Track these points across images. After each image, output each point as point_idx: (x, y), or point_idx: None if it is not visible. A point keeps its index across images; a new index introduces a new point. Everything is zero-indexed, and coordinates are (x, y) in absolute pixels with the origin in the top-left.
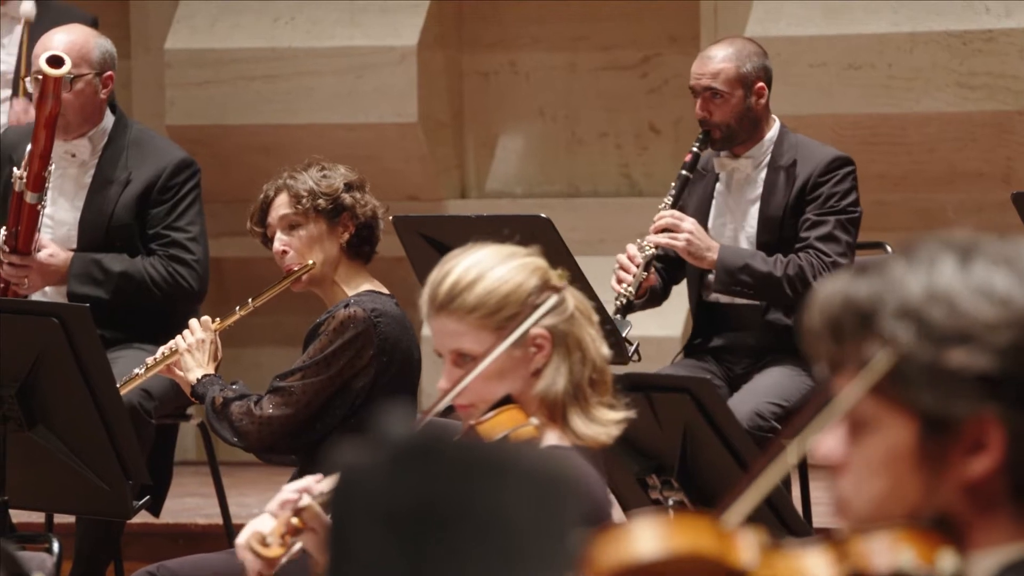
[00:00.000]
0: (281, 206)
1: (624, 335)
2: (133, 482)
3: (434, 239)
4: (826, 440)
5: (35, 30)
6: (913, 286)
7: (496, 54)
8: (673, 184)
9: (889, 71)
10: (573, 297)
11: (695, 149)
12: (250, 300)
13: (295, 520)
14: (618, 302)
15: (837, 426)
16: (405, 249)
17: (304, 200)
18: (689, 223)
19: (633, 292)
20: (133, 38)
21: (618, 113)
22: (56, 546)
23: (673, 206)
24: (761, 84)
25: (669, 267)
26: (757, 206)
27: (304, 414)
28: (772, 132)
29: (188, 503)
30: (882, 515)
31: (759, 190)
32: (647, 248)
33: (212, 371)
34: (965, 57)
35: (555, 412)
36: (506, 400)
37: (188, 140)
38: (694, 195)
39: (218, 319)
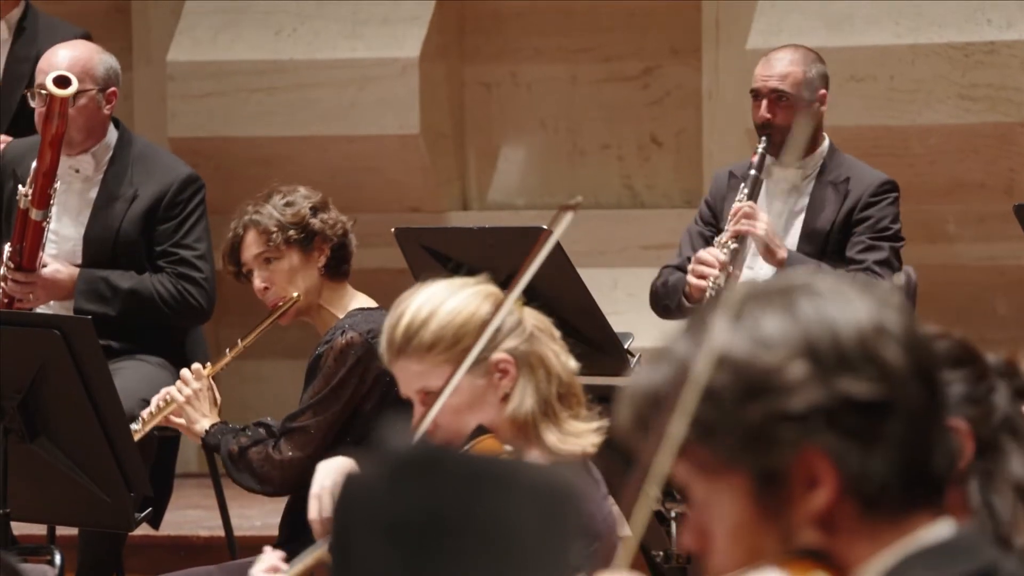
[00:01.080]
0: (252, 244)
1: (626, 346)
2: (135, 494)
3: (436, 250)
4: (685, 535)
5: (23, 46)
6: (696, 361)
7: (498, 65)
8: (743, 185)
9: (891, 83)
10: (531, 316)
11: (760, 150)
12: (240, 341)
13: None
14: (708, 294)
15: (689, 517)
16: (407, 261)
17: (275, 235)
18: (765, 215)
19: (723, 285)
20: (135, 50)
21: (620, 124)
22: (58, 558)
23: (750, 199)
24: (824, 91)
25: None
26: (802, 218)
27: (322, 449)
28: (824, 146)
29: (190, 515)
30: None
31: (805, 201)
32: (730, 244)
33: (217, 418)
34: (967, 69)
35: (528, 432)
36: (480, 431)
37: (190, 152)
38: (732, 198)
39: (209, 364)
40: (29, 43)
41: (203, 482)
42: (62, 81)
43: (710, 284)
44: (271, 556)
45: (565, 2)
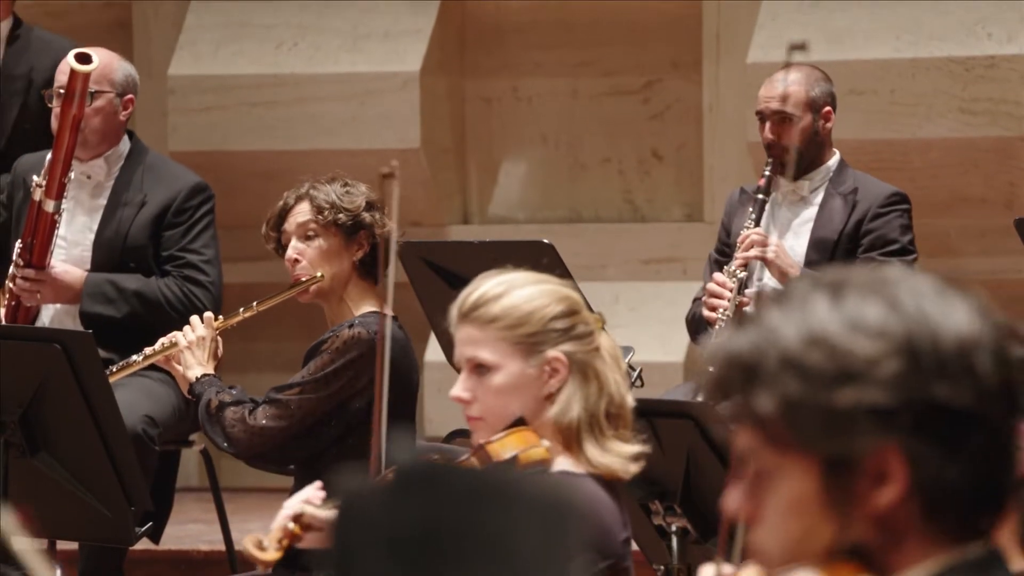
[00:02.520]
0: (301, 213)
1: (627, 360)
2: (135, 508)
3: (437, 264)
4: (732, 496)
5: (16, 62)
6: (790, 333)
7: (498, 80)
8: (751, 209)
9: (891, 97)
10: (606, 339)
11: (767, 173)
12: (254, 303)
13: (293, 526)
14: (718, 326)
15: (741, 480)
16: (408, 275)
17: (326, 212)
18: (775, 238)
19: (731, 315)
20: (136, 64)
21: (620, 139)
22: (59, 573)
23: (756, 226)
24: (828, 108)
25: None
26: (810, 227)
27: (297, 429)
28: (832, 161)
29: (190, 529)
30: (799, 557)
31: (814, 212)
32: (737, 272)
33: (212, 370)
34: (967, 83)
35: (570, 439)
36: (519, 423)
37: (191, 166)
38: (743, 215)
39: (220, 317)
40: (23, 60)
41: (204, 496)
42: (84, 58)
43: (720, 314)
44: (310, 489)
45: (566, 16)
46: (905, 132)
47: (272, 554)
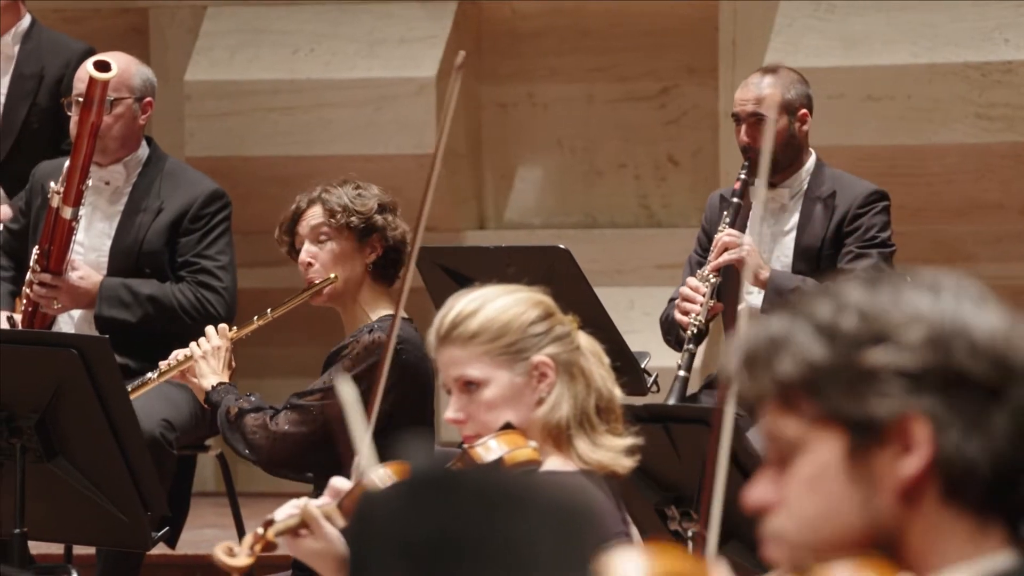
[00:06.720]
0: (313, 217)
1: (643, 365)
2: (152, 513)
3: (453, 270)
4: (755, 487)
5: (28, 63)
6: (822, 310)
7: (514, 85)
8: (726, 213)
9: (908, 102)
10: (584, 337)
11: (743, 176)
12: (269, 311)
13: (262, 531)
14: (689, 331)
15: (764, 469)
16: (424, 280)
17: (338, 216)
18: (748, 238)
19: (703, 320)
20: (153, 69)
21: (636, 144)
22: None
23: (733, 225)
24: (804, 111)
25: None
26: (793, 235)
27: (319, 434)
28: (809, 163)
29: (207, 534)
30: (819, 537)
31: (795, 220)
32: (711, 277)
33: (227, 379)
34: (984, 88)
35: (560, 438)
36: (506, 427)
37: (207, 171)
38: (720, 220)
39: (235, 327)
40: (34, 60)
41: (220, 501)
42: (103, 66)
43: (692, 319)
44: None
45: (581, 22)
46: (921, 138)
47: (243, 560)
